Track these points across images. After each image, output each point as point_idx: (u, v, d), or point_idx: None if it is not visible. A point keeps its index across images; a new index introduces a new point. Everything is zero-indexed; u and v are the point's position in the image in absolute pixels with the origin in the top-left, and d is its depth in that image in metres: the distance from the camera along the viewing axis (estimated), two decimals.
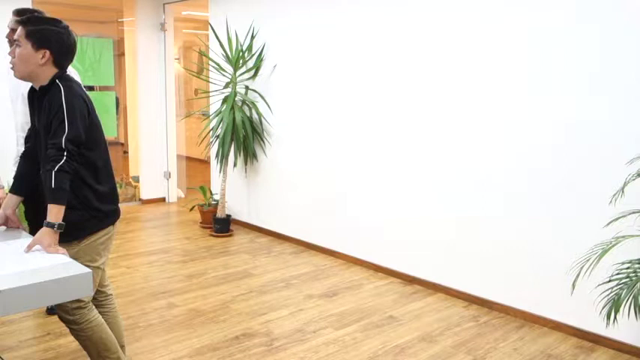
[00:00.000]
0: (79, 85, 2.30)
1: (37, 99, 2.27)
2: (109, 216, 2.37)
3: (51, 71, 2.23)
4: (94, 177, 2.29)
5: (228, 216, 5.46)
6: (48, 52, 2.20)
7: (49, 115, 2.16)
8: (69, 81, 2.24)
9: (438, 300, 3.83)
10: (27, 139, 2.47)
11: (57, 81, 2.21)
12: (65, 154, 2.10)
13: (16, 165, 3.39)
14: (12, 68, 2.25)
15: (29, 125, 3.26)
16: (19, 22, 2.22)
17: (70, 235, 2.23)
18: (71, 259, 1.98)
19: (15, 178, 2.44)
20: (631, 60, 2.95)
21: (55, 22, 2.24)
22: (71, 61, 2.30)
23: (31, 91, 2.34)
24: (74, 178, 2.19)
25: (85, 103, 2.24)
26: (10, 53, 2.24)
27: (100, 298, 2.56)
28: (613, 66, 3.02)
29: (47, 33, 2.20)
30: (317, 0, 4.65)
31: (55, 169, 2.09)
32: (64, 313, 2.35)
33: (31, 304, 1.81)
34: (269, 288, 4.02)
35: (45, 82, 2.23)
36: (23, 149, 3.30)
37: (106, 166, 2.36)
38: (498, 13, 3.47)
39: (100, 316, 2.44)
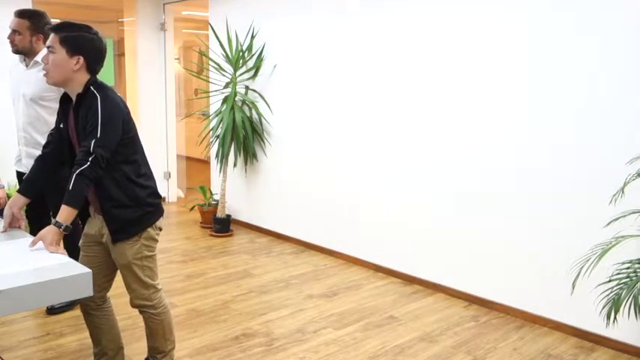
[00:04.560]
0: (112, 90, 2.33)
1: (73, 108, 2.30)
2: (159, 208, 2.47)
3: (84, 77, 2.26)
4: (138, 173, 2.36)
5: (228, 216, 5.46)
6: (82, 58, 2.22)
7: (86, 122, 2.20)
8: (104, 87, 2.28)
9: (438, 300, 3.83)
10: (46, 144, 2.48)
11: (92, 88, 2.24)
12: (90, 159, 2.14)
13: (18, 163, 3.41)
14: (45, 75, 2.28)
15: (32, 126, 3.27)
16: (52, 30, 2.24)
17: (128, 232, 2.35)
18: (71, 259, 1.98)
19: (25, 179, 2.45)
20: (631, 60, 2.95)
21: (88, 28, 2.28)
22: (102, 66, 2.34)
23: (65, 98, 2.36)
24: (120, 177, 2.28)
25: (121, 107, 2.28)
26: (43, 60, 2.26)
27: (98, 302, 2.55)
28: (613, 66, 3.02)
29: (81, 39, 2.23)
30: (317, 0, 4.65)
31: (77, 172, 2.13)
32: (144, 300, 2.46)
33: (31, 304, 1.81)
34: (269, 288, 4.02)
35: (79, 88, 2.25)
36: (23, 150, 3.34)
37: (146, 163, 2.44)
38: (500, 16, 3.47)
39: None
